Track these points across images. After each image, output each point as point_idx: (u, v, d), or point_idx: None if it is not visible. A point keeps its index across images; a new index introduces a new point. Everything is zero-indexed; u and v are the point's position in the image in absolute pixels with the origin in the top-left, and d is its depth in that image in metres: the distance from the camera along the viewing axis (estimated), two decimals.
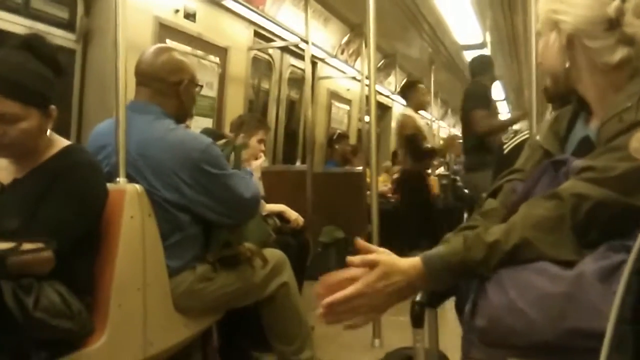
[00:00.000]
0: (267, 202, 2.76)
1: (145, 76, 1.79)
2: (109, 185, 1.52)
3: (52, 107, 1.41)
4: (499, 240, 0.85)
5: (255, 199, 1.87)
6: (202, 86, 1.98)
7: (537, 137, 1.13)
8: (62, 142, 1.48)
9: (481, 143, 3.64)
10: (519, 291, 0.80)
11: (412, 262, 0.91)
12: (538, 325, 0.77)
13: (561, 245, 0.83)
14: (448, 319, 1.03)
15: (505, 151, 3.30)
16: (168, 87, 1.79)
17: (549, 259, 0.82)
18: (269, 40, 4.14)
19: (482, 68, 3.96)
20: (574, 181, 0.86)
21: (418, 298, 0.98)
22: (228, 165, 1.83)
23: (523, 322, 0.79)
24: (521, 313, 0.79)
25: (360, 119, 5.78)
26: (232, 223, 1.84)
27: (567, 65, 0.99)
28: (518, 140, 2.83)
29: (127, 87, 1.66)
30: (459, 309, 1.03)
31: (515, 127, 5.09)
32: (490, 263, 0.85)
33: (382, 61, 6.45)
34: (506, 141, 3.53)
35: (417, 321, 0.96)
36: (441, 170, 7.29)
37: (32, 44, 1.38)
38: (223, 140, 2.53)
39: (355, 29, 5.23)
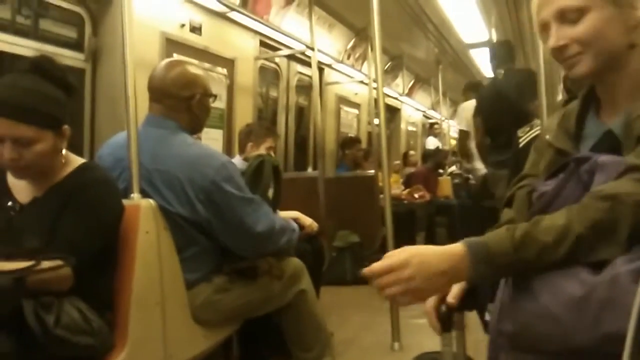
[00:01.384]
0: (281, 209, 2.77)
1: (157, 92, 1.80)
2: (124, 201, 1.54)
3: (66, 126, 1.43)
4: (555, 239, 0.82)
5: (268, 235, 1.77)
6: (215, 96, 1.96)
7: (547, 137, 1.10)
8: (77, 160, 1.50)
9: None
10: (550, 296, 0.79)
11: (451, 246, 0.88)
12: (573, 331, 0.76)
13: (616, 246, 0.80)
14: (472, 322, 1.02)
15: (521, 145, 3.26)
16: (180, 102, 1.79)
17: (598, 260, 0.80)
18: (275, 49, 4.16)
19: (509, 55, 3.58)
20: (630, 182, 0.83)
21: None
22: (246, 188, 1.77)
23: (557, 327, 0.77)
24: (554, 318, 0.77)
25: (370, 122, 5.78)
26: (243, 254, 1.80)
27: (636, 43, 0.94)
28: (534, 134, 2.80)
29: (137, 103, 1.68)
30: (479, 310, 1.02)
31: None
32: (544, 262, 0.82)
33: (389, 63, 6.45)
34: (522, 135, 3.49)
35: (445, 325, 0.95)
36: (453, 168, 7.26)
37: (41, 66, 1.40)
38: (256, 153, 2.54)
39: (360, 33, 5.24)
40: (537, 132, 2.72)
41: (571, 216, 0.84)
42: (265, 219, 1.77)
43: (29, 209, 1.42)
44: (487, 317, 0.96)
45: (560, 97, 2.94)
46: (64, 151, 1.45)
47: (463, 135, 4.39)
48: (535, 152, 1.15)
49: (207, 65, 3.32)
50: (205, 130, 3.26)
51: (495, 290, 0.91)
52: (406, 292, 0.87)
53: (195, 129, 1.86)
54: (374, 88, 3.09)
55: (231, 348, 2.05)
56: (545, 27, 1.00)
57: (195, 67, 1.96)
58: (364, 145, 5.80)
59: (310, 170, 4.81)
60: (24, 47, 2.36)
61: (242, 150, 3.03)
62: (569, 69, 0.99)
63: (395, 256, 0.88)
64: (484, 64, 7.24)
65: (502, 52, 3.54)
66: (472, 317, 1.05)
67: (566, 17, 0.96)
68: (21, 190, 1.46)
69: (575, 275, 0.79)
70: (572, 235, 0.82)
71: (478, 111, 3.60)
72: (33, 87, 1.36)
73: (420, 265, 0.87)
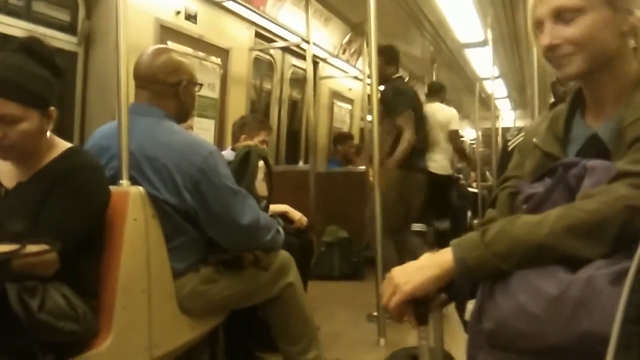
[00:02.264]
0: (271, 202, 2.76)
1: (144, 79, 1.78)
2: (112, 187, 1.52)
3: (52, 108, 1.41)
4: (528, 231, 0.84)
5: (252, 228, 1.75)
6: (201, 85, 1.95)
7: (534, 140, 1.10)
8: (63, 145, 1.48)
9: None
10: (528, 295, 0.79)
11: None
12: (549, 330, 0.76)
13: (600, 247, 0.80)
14: (451, 318, 1.02)
15: (510, 148, 3.28)
16: (167, 89, 1.78)
17: (580, 258, 0.80)
18: (270, 40, 4.14)
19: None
20: (621, 187, 0.83)
21: None
22: (232, 179, 1.76)
23: (534, 326, 0.78)
24: (532, 317, 0.78)
25: (363, 118, 5.78)
26: (227, 245, 1.78)
27: (633, 44, 0.96)
28: (523, 138, 2.82)
29: (128, 89, 1.66)
30: (458, 308, 1.02)
31: (522, 124, 5.04)
32: (515, 255, 0.84)
33: None
34: (510, 138, 3.51)
35: (421, 318, 0.95)
36: None
37: (30, 47, 1.39)
38: (244, 143, 2.52)
39: (356, 28, 5.23)
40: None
41: (551, 213, 0.85)
42: (250, 212, 1.75)
43: (14, 194, 1.41)
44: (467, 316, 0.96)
45: (552, 100, 2.96)
46: (48, 134, 1.43)
47: (454, 135, 4.40)
48: (519, 154, 1.15)
49: (201, 54, 3.30)
50: (198, 120, 3.25)
51: (475, 288, 0.91)
52: (393, 293, 0.91)
53: (181, 116, 1.85)
54: (368, 84, 3.08)
55: (217, 339, 2.04)
56: (539, 25, 0.99)
57: (180, 55, 1.93)
58: (356, 141, 5.80)
59: (301, 164, 4.81)
60: (17, 27, 2.33)
61: (235, 142, 3.01)
62: (559, 68, 0.99)
63: None
64: (478, 64, 7.27)
65: (395, 57, 3.60)
66: (451, 315, 1.05)
67: (562, 16, 0.95)
68: (6, 174, 1.44)
69: (553, 274, 0.80)
70: (545, 228, 0.83)
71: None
72: (20, 65, 1.35)
73: (402, 267, 0.93)
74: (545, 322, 0.77)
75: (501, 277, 0.84)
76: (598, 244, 0.80)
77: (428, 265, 0.91)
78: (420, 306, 0.93)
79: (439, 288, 0.92)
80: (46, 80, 1.39)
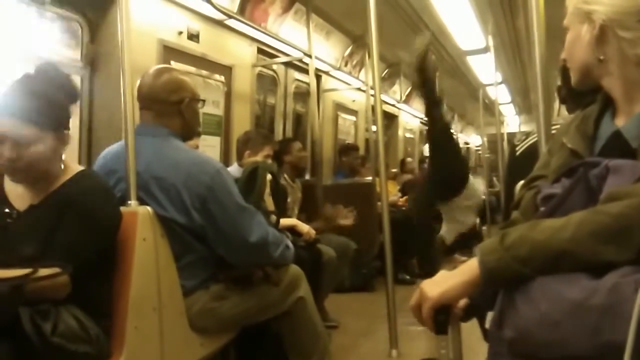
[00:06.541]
0: (281, 217, 2.76)
1: (147, 99, 1.80)
2: (121, 208, 1.53)
3: (66, 132, 1.44)
4: (549, 236, 0.82)
5: (261, 245, 1.75)
6: (204, 101, 1.96)
7: (563, 139, 1.10)
8: (75, 168, 1.50)
9: None
10: (550, 303, 0.77)
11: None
12: (572, 339, 0.74)
13: (626, 251, 0.78)
14: (470, 330, 1.02)
15: (518, 153, 3.28)
16: (170, 107, 1.79)
17: (605, 263, 0.78)
18: (272, 56, 4.17)
19: None
20: None
21: None
22: (240, 196, 1.76)
23: (556, 335, 0.76)
24: (554, 326, 0.76)
25: (367, 129, 5.79)
26: (236, 262, 1.79)
27: (601, 57, 0.97)
28: (530, 142, 2.81)
29: (134, 110, 1.68)
30: (479, 317, 1.02)
31: (527, 129, 5.05)
32: (537, 259, 0.82)
33: (386, 70, 6.47)
34: (518, 143, 3.51)
35: (440, 328, 0.94)
36: None
37: (46, 72, 1.42)
38: (251, 159, 2.53)
39: (358, 41, 5.26)
40: (534, 140, 2.73)
41: (573, 217, 0.83)
42: (259, 229, 1.75)
43: (26, 217, 1.42)
44: (487, 325, 0.95)
45: (556, 105, 2.95)
46: (62, 156, 1.45)
47: None
48: (548, 154, 1.15)
49: (204, 72, 3.33)
50: (203, 137, 3.27)
51: (495, 298, 0.90)
52: (421, 300, 0.92)
53: (187, 134, 1.86)
54: (372, 95, 3.11)
55: (228, 356, 2.04)
56: None
57: (181, 73, 1.95)
58: (361, 152, 5.80)
59: (308, 177, 4.82)
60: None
61: (239, 158, 3.03)
62: None
63: None
64: (481, 71, 7.28)
65: None
66: (470, 325, 1.05)
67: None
68: (18, 197, 1.46)
69: (576, 281, 0.78)
70: (567, 233, 0.81)
71: None
72: (37, 89, 1.38)
73: (432, 278, 0.94)
74: (568, 331, 0.75)
75: (522, 284, 0.82)
76: (624, 248, 0.78)
77: (455, 273, 0.91)
78: (440, 315, 0.92)
79: (466, 295, 0.92)
80: (61, 104, 1.42)
